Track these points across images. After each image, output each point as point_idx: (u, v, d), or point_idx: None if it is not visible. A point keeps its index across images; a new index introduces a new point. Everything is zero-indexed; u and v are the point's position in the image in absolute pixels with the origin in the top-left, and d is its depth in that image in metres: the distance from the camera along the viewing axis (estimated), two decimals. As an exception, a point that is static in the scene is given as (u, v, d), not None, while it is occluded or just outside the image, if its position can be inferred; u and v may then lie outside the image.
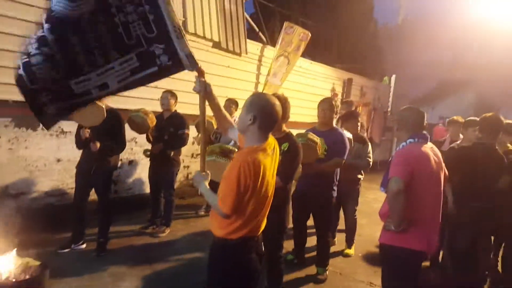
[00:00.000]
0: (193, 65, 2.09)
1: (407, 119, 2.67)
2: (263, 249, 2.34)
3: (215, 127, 5.34)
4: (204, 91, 2.21)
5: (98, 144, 3.91)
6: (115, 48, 1.96)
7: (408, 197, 2.40)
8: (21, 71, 1.93)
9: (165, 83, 5.55)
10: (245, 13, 7.82)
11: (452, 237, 3.72)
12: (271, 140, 2.18)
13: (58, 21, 1.86)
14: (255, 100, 2.13)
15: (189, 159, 6.92)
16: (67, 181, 5.11)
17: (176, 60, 2.04)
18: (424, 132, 2.65)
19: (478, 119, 3.92)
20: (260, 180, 2.00)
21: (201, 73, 2.18)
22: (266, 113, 2.06)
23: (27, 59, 1.90)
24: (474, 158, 3.56)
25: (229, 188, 1.97)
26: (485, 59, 15.62)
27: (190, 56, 2.05)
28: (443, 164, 2.72)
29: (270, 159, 2.11)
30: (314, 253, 4.31)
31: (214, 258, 2.20)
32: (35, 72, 1.91)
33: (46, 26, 1.87)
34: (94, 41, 1.92)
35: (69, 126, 4.94)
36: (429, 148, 2.62)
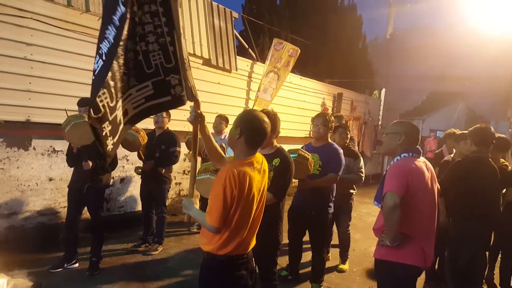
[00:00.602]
0: (193, 96, 2.18)
1: (403, 132, 2.63)
2: (255, 265, 2.36)
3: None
4: (197, 122, 2.27)
5: (90, 163, 3.93)
6: (134, 75, 2.01)
7: (403, 211, 2.37)
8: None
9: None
10: (234, 30, 7.96)
11: (453, 255, 3.63)
12: (259, 156, 2.22)
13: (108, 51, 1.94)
14: (243, 116, 2.20)
15: (181, 175, 6.93)
16: (59, 200, 5.09)
17: (188, 91, 2.14)
18: (418, 146, 2.65)
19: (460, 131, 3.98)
20: (246, 191, 2.03)
21: (197, 105, 2.25)
22: (252, 128, 2.12)
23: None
24: (468, 172, 3.50)
25: (216, 200, 2.01)
26: (474, 72, 15.89)
27: (193, 88, 2.17)
28: (436, 178, 2.72)
29: (258, 174, 2.15)
30: (309, 269, 4.30)
31: (203, 275, 2.22)
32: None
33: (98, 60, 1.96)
34: (125, 67, 1.96)
35: (61, 145, 4.96)
36: (422, 162, 2.61)
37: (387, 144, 2.72)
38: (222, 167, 2.14)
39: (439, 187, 2.87)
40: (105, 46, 1.94)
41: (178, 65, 2.07)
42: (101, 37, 1.96)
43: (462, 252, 3.51)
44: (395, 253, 2.49)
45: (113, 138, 1.95)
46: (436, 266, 4.44)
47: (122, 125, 2.04)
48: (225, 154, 2.48)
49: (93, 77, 1.99)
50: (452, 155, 4.47)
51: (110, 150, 1.95)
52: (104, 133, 1.85)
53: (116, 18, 1.89)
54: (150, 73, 2.04)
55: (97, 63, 1.97)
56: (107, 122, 1.86)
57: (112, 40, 1.90)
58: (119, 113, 1.97)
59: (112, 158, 2.30)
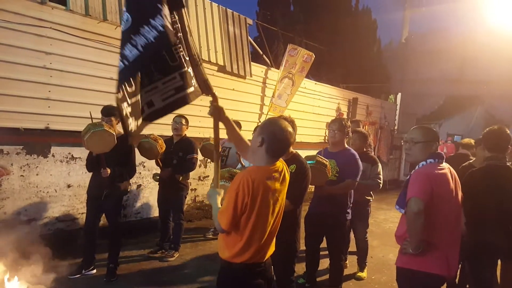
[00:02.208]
0: (208, 90, 2.25)
1: (423, 138, 2.55)
2: (273, 272, 2.33)
3: (220, 150, 5.39)
4: (218, 115, 2.31)
5: (108, 170, 3.96)
6: (157, 69, 2.11)
7: (427, 218, 2.31)
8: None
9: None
10: (249, 37, 7.98)
11: (474, 267, 3.43)
12: (280, 164, 2.19)
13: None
14: (267, 124, 2.19)
15: (196, 181, 6.95)
16: (77, 207, 5.16)
17: (201, 84, 2.23)
18: (440, 152, 2.57)
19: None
20: (259, 201, 2.02)
21: (214, 98, 2.29)
22: (274, 138, 2.10)
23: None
24: (483, 184, 3.21)
25: (228, 203, 2.02)
26: (493, 75, 15.51)
27: (206, 82, 2.25)
28: (460, 185, 2.63)
29: (276, 183, 2.12)
30: (326, 277, 4.24)
31: (220, 282, 2.22)
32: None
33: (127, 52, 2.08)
34: (148, 61, 2.08)
35: (79, 152, 5.03)
36: (446, 168, 2.54)
37: (418, 154, 2.57)
38: (239, 173, 2.14)
39: (461, 194, 2.77)
40: (140, 40, 2.04)
41: (191, 59, 2.18)
42: (135, 30, 2.04)
43: (483, 265, 3.31)
44: (418, 261, 2.42)
45: (135, 120, 2.08)
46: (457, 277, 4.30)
47: (146, 113, 2.15)
48: (240, 161, 2.48)
49: (126, 63, 2.07)
50: (470, 161, 4.24)
51: (132, 130, 2.07)
52: (124, 113, 1.99)
53: (155, 22, 2.02)
54: (174, 65, 2.13)
55: (131, 52, 2.06)
56: (126, 103, 2.00)
57: (152, 39, 2.02)
58: (139, 100, 2.09)
59: (134, 139, 2.50)
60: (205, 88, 2.23)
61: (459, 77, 17.20)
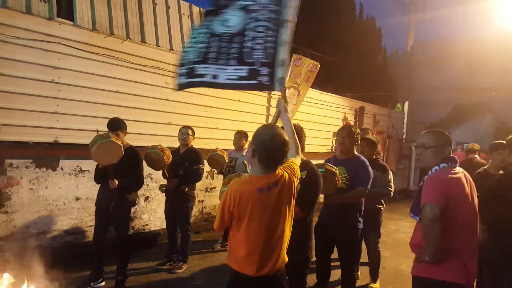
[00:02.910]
0: (281, 86, 2.69)
1: (435, 143, 2.51)
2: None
3: (227, 160, 5.38)
4: (283, 107, 2.63)
5: (116, 182, 3.97)
6: (234, 59, 2.70)
7: (443, 224, 2.23)
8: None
9: (180, 120, 5.75)
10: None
11: (494, 275, 3.36)
12: (280, 172, 2.13)
13: (211, 32, 2.83)
14: (256, 134, 2.15)
15: (204, 193, 6.93)
16: (86, 219, 5.16)
17: (272, 83, 2.65)
18: (454, 156, 2.51)
19: (504, 142, 3.72)
20: (249, 213, 2.01)
21: (283, 92, 2.77)
22: (264, 148, 2.06)
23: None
24: (509, 188, 3.20)
25: (219, 207, 2.12)
26: (502, 82, 15.35)
27: (282, 79, 2.66)
28: (475, 190, 2.56)
29: (271, 194, 2.06)
30: None
31: None
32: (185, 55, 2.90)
33: (202, 30, 2.86)
34: (226, 49, 2.73)
35: (87, 165, 5.05)
36: (460, 172, 2.47)
37: (429, 159, 2.53)
38: (233, 181, 2.17)
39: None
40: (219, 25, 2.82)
41: (272, 64, 2.60)
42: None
43: (504, 273, 3.26)
44: (435, 270, 2.34)
45: (186, 79, 2.88)
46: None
47: (204, 79, 2.80)
48: (247, 171, 2.48)
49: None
50: (485, 167, 4.20)
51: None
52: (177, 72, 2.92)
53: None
54: (248, 62, 2.65)
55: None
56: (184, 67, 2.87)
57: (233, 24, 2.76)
58: (202, 69, 2.81)
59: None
60: (281, 84, 2.67)
61: (467, 84, 17.07)
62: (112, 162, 3.85)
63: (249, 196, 2.00)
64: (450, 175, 2.39)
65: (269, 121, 7.97)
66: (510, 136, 3.47)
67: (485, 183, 3.48)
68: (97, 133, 3.90)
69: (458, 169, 2.49)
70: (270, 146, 2.06)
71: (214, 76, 2.76)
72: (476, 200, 2.50)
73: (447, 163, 2.45)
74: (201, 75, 2.82)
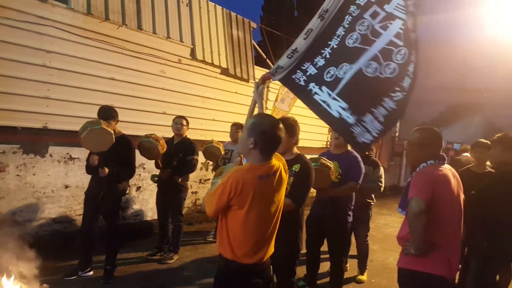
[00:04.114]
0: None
1: (425, 139, 2.59)
2: (273, 273, 2.28)
3: (222, 152, 5.33)
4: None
5: (106, 170, 3.88)
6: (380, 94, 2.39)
7: (429, 218, 2.31)
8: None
9: (175, 110, 5.67)
10: (252, 41, 7.95)
11: (482, 270, 3.48)
12: (276, 163, 2.14)
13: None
14: (255, 124, 2.10)
15: (197, 184, 6.87)
16: (75, 208, 5.07)
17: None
18: (442, 153, 2.58)
19: (484, 140, 3.91)
20: (252, 200, 1.98)
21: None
22: (267, 138, 2.05)
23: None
24: (502, 187, 3.33)
25: (215, 193, 2.02)
26: (493, 83, 15.56)
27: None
28: (462, 187, 2.63)
29: (270, 181, 2.07)
30: (326, 279, 4.19)
31: (217, 280, 2.19)
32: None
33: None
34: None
35: (77, 152, 4.96)
36: (448, 169, 2.54)
37: (417, 155, 2.61)
38: (234, 168, 2.12)
39: (463, 197, 2.74)
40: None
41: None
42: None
43: (491, 268, 3.40)
44: (420, 262, 2.41)
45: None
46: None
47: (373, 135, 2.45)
48: (242, 163, 2.41)
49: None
50: (468, 166, 4.25)
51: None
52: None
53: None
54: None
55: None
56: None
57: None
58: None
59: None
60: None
61: (460, 85, 17.24)
62: (102, 149, 3.77)
63: (250, 184, 1.98)
64: (437, 172, 2.47)
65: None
66: (500, 134, 3.51)
67: (467, 181, 3.48)
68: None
69: (446, 166, 2.56)
70: (271, 134, 2.06)
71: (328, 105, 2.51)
72: (462, 197, 2.57)
73: (435, 160, 2.51)
74: (324, 102, 2.54)
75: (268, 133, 2.05)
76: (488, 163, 4.08)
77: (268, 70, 8.63)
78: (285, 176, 2.23)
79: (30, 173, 4.68)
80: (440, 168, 2.50)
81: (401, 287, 2.64)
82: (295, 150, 3.13)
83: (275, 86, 8.26)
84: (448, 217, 2.44)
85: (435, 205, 2.35)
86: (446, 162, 2.59)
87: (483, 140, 4.05)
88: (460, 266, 4.02)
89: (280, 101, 8.10)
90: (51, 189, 4.89)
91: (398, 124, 14.58)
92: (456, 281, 3.95)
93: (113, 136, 3.74)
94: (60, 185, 4.97)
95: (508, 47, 14.39)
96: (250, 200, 1.98)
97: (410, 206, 2.34)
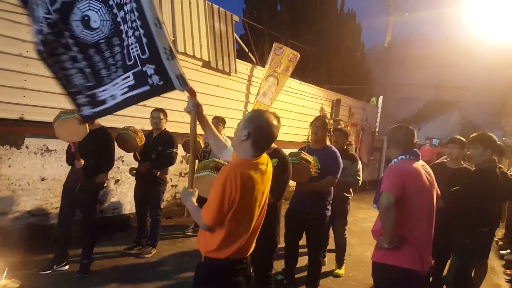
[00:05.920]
0: (184, 85, 2.17)
1: (398, 137, 2.67)
2: (252, 269, 2.29)
3: (202, 146, 5.32)
4: (195, 111, 2.25)
5: (82, 162, 3.82)
6: (121, 66, 2.25)
7: (400, 213, 2.36)
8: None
9: (154, 102, 5.59)
10: (235, 34, 7.91)
11: (464, 263, 3.64)
12: (265, 157, 2.14)
13: (83, 44, 2.27)
14: (253, 117, 2.11)
15: (177, 178, 6.84)
16: (51, 201, 4.98)
17: (167, 80, 2.15)
18: (415, 149, 2.65)
19: (458, 137, 4.02)
20: (247, 195, 1.95)
21: (192, 94, 2.23)
22: (261, 132, 2.05)
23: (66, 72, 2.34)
24: (496, 181, 3.54)
25: (214, 198, 1.94)
26: (471, 81, 15.98)
27: (181, 77, 2.14)
28: (435, 183, 2.70)
29: (261, 176, 2.06)
30: (304, 273, 4.23)
31: (199, 279, 2.13)
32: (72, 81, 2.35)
33: (75, 48, 2.28)
34: (111, 59, 2.26)
35: (54, 144, 4.86)
36: (420, 165, 2.60)
37: (393, 152, 2.72)
38: (225, 166, 2.08)
39: (439, 192, 2.82)
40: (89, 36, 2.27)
41: (153, 56, 2.11)
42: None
43: (474, 260, 3.59)
44: (392, 256, 2.47)
45: (91, 108, 2.38)
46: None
47: (108, 105, 2.33)
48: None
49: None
50: (443, 161, 4.28)
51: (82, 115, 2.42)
52: (77, 102, 2.38)
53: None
54: (130, 64, 2.20)
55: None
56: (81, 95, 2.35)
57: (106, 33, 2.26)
58: (102, 93, 2.32)
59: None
60: (179, 84, 2.16)
61: (439, 83, 17.60)
62: (76, 140, 3.70)
63: (246, 178, 1.95)
64: (408, 167, 2.54)
65: (248, 108, 7.99)
66: (478, 134, 3.64)
67: (442, 175, 3.55)
68: None
69: (419, 162, 2.63)
70: (267, 130, 2.07)
71: (113, 96, 2.29)
72: (434, 192, 2.64)
73: (406, 155, 2.59)
74: (103, 101, 2.32)
75: (263, 128, 2.05)
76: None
77: (250, 64, 8.60)
78: (271, 170, 2.21)
79: (6, 165, 4.57)
80: (412, 163, 2.56)
81: (375, 281, 2.71)
82: (273, 144, 3.14)
83: (257, 80, 8.27)
84: (419, 211, 2.50)
85: (405, 199, 2.41)
86: (419, 158, 2.64)
87: (457, 136, 4.14)
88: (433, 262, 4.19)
89: (262, 95, 8.11)
90: (27, 181, 4.79)
91: (378, 120, 14.86)
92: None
93: (87, 127, 3.68)
94: (36, 178, 4.87)
95: (484, 47, 14.76)
96: (246, 194, 1.96)
97: (381, 200, 2.41)
